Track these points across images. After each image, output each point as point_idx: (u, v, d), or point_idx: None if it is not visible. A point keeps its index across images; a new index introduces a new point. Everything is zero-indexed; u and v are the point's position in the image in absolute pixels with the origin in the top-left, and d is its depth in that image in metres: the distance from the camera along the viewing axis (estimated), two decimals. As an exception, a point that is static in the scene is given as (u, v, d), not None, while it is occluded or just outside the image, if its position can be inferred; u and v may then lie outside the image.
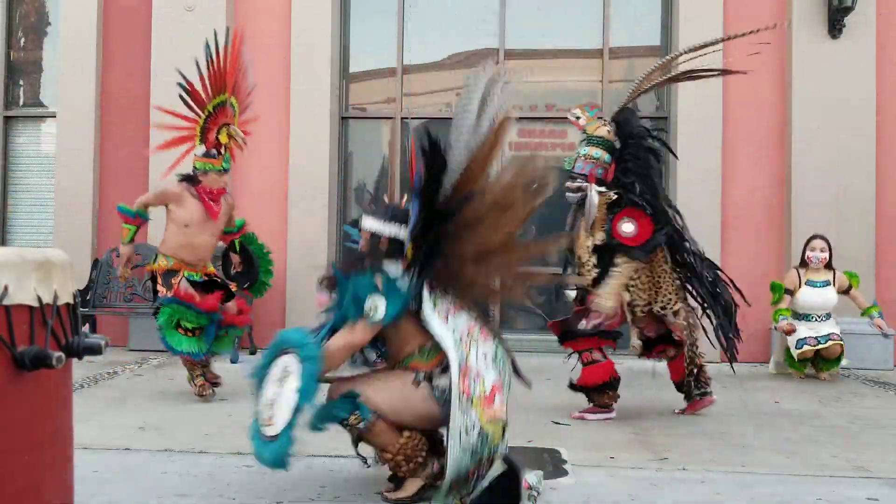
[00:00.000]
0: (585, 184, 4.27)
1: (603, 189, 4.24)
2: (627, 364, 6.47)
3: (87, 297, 6.70)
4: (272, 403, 2.60)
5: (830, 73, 6.54)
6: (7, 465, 1.44)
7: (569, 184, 4.31)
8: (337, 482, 2.96)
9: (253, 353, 6.63)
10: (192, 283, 4.64)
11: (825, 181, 6.47)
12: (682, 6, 6.79)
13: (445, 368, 2.69)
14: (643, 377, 5.80)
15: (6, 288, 1.45)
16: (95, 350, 1.59)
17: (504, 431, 2.67)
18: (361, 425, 2.68)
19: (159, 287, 4.67)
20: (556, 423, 3.91)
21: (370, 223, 2.86)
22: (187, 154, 4.70)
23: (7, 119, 7.63)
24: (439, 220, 2.72)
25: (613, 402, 4.40)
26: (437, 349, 2.72)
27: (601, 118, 4.45)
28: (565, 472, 3.17)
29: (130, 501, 2.74)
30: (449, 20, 7.45)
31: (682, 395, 4.47)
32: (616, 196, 4.22)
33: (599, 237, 4.25)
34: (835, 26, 6.52)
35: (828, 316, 5.78)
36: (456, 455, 2.52)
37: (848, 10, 6.41)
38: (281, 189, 6.98)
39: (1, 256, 1.48)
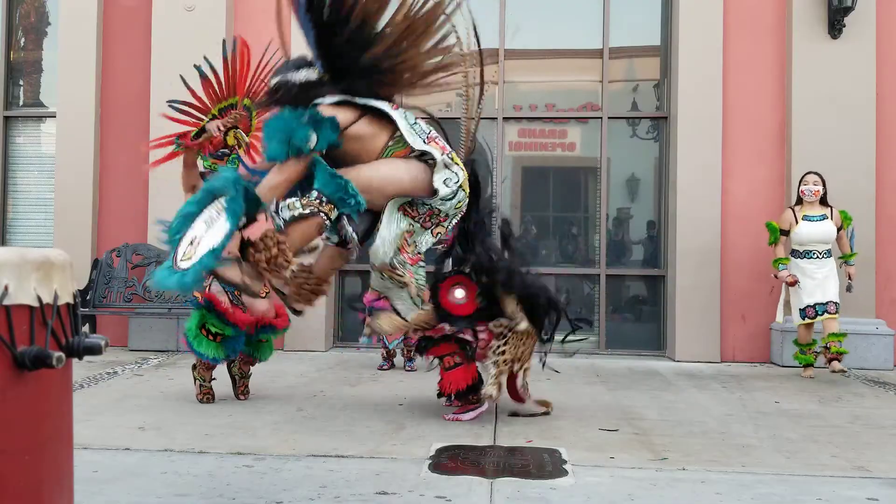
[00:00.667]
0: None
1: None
2: (627, 364, 6.49)
3: (87, 297, 6.70)
4: (194, 241, 2.57)
5: (830, 73, 6.55)
6: (7, 466, 1.44)
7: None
8: (337, 482, 2.96)
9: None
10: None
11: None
12: (682, 6, 6.79)
13: (420, 155, 2.87)
14: (644, 378, 5.81)
15: (6, 288, 1.45)
16: (95, 350, 1.58)
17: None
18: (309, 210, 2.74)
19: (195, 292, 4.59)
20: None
21: (278, 79, 2.93)
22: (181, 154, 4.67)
23: (7, 119, 7.63)
24: (335, 35, 2.81)
25: (479, 401, 4.21)
26: (401, 140, 2.92)
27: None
28: (565, 472, 3.17)
29: (130, 501, 2.74)
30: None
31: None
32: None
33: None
34: (835, 26, 6.53)
35: (828, 253, 5.78)
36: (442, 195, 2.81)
37: (848, 10, 6.41)
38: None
39: (1, 256, 1.48)
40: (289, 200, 2.80)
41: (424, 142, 2.86)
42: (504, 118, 7.30)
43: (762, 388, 5.41)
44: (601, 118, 7.21)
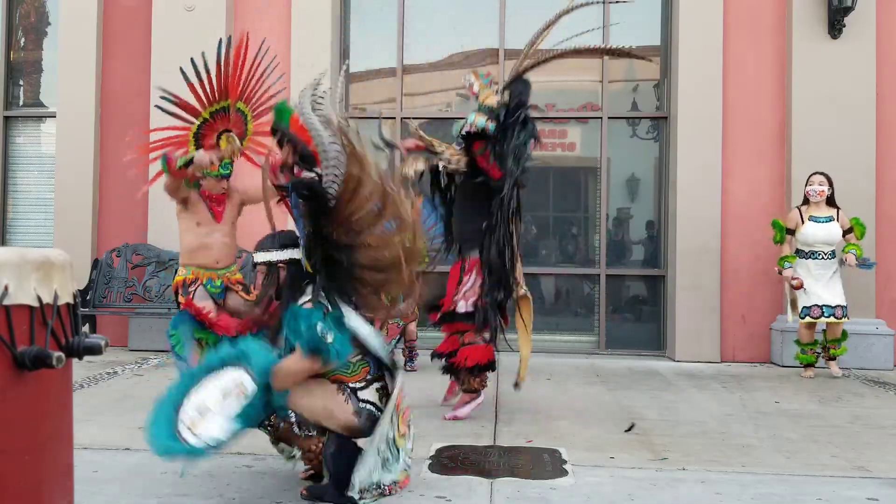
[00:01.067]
0: (457, 157, 4.33)
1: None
2: (627, 364, 6.49)
3: (87, 297, 6.70)
4: (202, 410, 2.52)
5: (830, 73, 6.55)
6: (7, 466, 1.44)
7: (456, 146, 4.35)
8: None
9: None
10: (212, 295, 4.52)
11: (825, 181, 6.48)
12: (682, 6, 6.79)
13: (369, 382, 2.77)
14: (643, 377, 5.81)
15: (6, 288, 1.45)
16: (95, 350, 1.58)
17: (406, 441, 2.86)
18: (280, 424, 2.69)
19: (180, 299, 4.59)
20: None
21: (262, 256, 2.86)
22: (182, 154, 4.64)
23: (7, 119, 7.63)
24: (328, 234, 2.69)
25: (483, 387, 4.31)
26: (362, 364, 2.77)
27: (495, 84, 4.44)
28: (565, 472, 3.17)
29: (130, 501, 2.74)
30: (449, 20, 7.46)
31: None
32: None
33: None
34: (835, 26, 6.52)
35: (832, 254, 5.77)
36: (370, 463, 2.67)
37: (848, 10, 6.41)
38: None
39: (1, 256, 1.47)
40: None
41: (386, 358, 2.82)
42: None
43: (762, 388, 5.41)
44: (601, 118, 7.21)
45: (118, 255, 6.86)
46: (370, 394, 2.79)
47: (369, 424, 2.74)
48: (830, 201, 5.83)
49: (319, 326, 2.59)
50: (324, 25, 7.03)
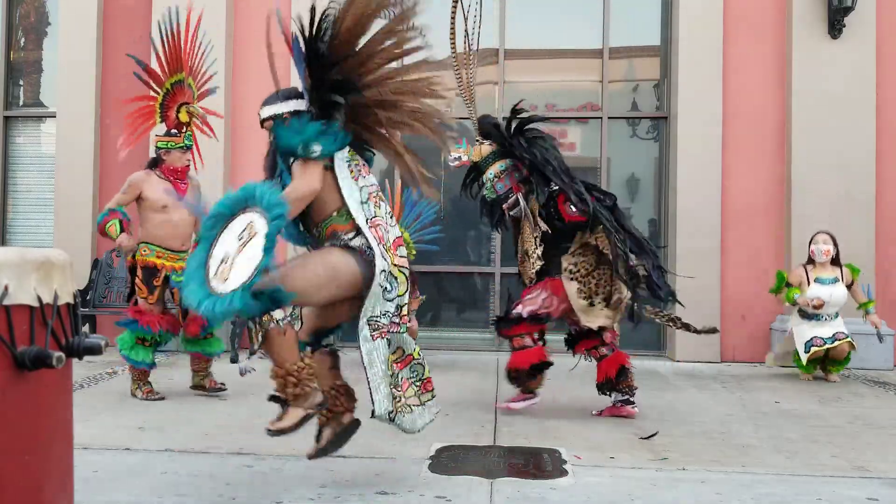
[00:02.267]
0: (514, 195, 4.35)
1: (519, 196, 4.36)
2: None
3: (87, 297, 6.70)
4: (229, 259, 2.52)
5: (830, 72, 6.55)
6: (7, 466, 1.44)
7: (506, 206, 4.38)
8: (337, 482, 2.97)
9: (253, 353, 6.63)
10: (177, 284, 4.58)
11: (825, 180, 6.48)
12: (682, 6, 6.79)
13: (357, 232, 2.82)
14: (643, 378, 5.81)
15: (6, 288, 1.45)
16: (95, 350, 1.58)
17: (407, 280, 2.88)
18: (271, 326, 2.66)
19: (137, 282, 4.64)
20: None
21: (268, 110, 2.95)
22: (147, 132, 4.72)
23: (7, 119, 7.63)
24: (329, 73, 2.80)
25: (539, 386, 4.42)
26: (349, 217, 2.83)
27: (476, 140, 4.50)
28: (565, 472, 3.17)
29: (130, 501, 2.74)
30: (448, 20, 7.44)
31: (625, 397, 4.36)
32: (546, 192, 4.27)
33: (543, 227, 4.32)
34: (835, 26, 6.53)
35: (836, 315, 5.70)
36: (376, 292, 2.75)
37: (848, 10, 6.41)
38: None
39: (1, 256, 1.48)
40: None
41: (367, 224, 2.81)
42: (504, 118, 7.27)
43: (762, 388, 5.41)
44: (601, 118, 7.21)
45: (118, 255, 6.85)
46: (359, 241, 2.81)
47: (370, 267, 2.76)
48: (835, 261, 5.70)
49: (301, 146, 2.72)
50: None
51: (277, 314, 2.67)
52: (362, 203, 2.84)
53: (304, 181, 2.75)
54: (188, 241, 4.73)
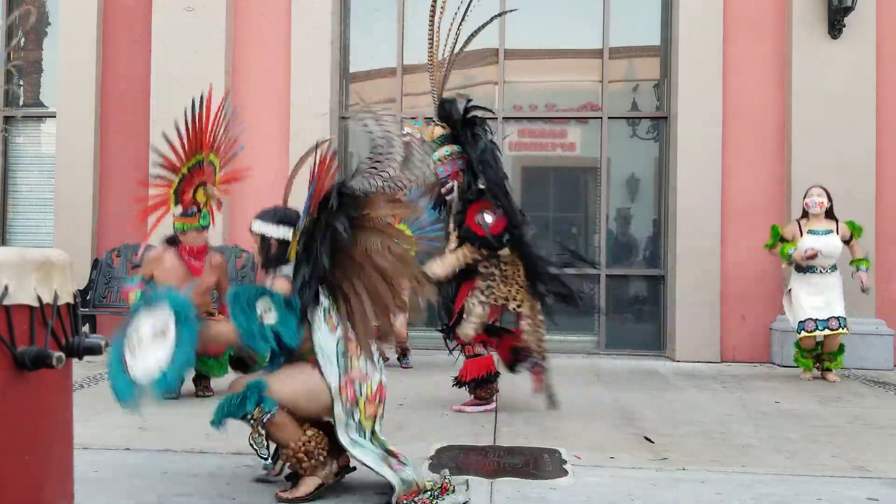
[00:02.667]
0: (452, 182, 4.39)
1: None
2: (627, 364, 6.49)
3: (87, 297, 6.70)
4: (139, 342, 2.56)
5: (830, 72, 6.55)
6: (7, 465, 1.44)
7: (443, 190, 4.41)
8: (337, 482, 2.96)
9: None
10: None
11: (825, 180, 6.46)
12: (682, 6, 6.79)
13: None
14: (643, 378, 5.81)
15: (6, 288, 1.45)
16: (95, 350, 1.59)
17: (374, 422, 2.81)
18: (266, 417, 2.67)
19: None
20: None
21: (259, 226, 2.89)
22: (163, 217, 4.61)
23: (7, 119, 7.63)
24: (327, 227, 2.68)
25: (492, 395, 4.45)
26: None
27: (428, 119, 4.53)
28: (565, 472, 3.17)
29: (130, 501, 2.74)
30: (448, 20, 7.44)
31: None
32: (478, 189, 4.31)
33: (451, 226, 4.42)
34: (835, 26, 6.53)
35: (833, 268, 5.71)
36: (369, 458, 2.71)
37: (848, 10, 6.41)
38: (281, 189, 6.97)
39: (1, 256, 1.47)
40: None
41: (339, 379, 2.73)
42: (504, 118, 7.30)
43: (762, 388, 5.41)
44: (601, 118, 7.21)
45: (118, 255, 6.86)
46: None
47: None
48: (829, 214, 5.75)
49: (260, 304, 2.62)
50: (324, 25, 7.03)
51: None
52: (339, 356, 2.75)
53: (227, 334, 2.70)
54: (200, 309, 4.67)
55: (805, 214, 5.82)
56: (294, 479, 2.83)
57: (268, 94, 7.00)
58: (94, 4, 7.17)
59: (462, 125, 4.40)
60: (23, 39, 7.77)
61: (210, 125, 4.52)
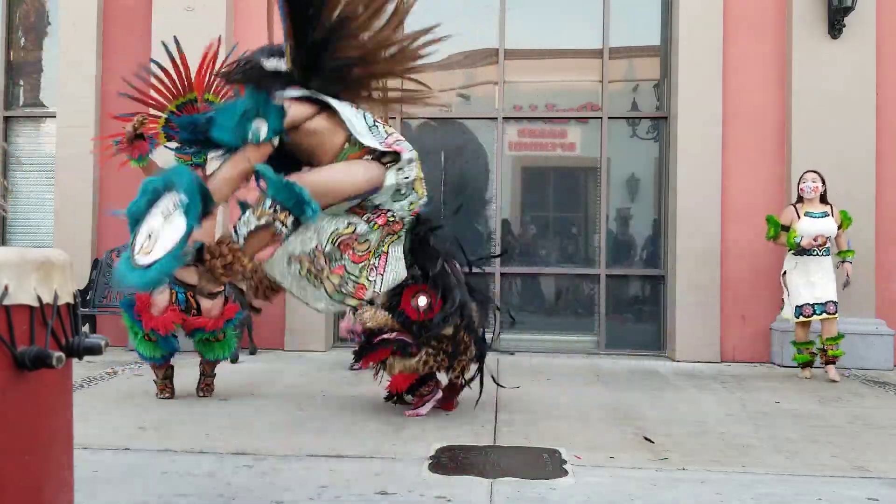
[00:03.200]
0: None
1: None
2: (627, 364, 6.49)
3: (87, 297, 6.70)
4: (152, 235, 2.53)
5: (830, 72, 6.55)
6: (7, 466, 1.44)
7: None
8: (337, 482, 2.96)
9: (253, 352, 6.64)
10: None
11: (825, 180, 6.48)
12: (682, 6, 6.79)
13: (374, 154, 2.85)
14: (643, 378, 5.81)
15: (6, 288, 1.45)
16: (95, 350, 1.58)
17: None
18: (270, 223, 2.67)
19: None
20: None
21: (248, 60, 2.92)
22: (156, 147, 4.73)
23: (7, 119, 7.63)
24: (311, 30, 2.78)
25: (432, 387, 4.33)
26: (359, 144, 2.85)
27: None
28: (565, 472, 3.17)
29: (130, 501, 2.74)
30: (449, 20, 7.44)
31: None
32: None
33: None
34: (835, 26, 6.53)
35: (827, 251, 5.77)
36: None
37: (848, 10, 6.41)
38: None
39: (1, 256, 1.47)
40: (243, 217, 2.74)
41: (381, 143, 2.80)
42: (504, 118, 7.30)
43: (762, 388, 5.41)
44: (601, 118, 7.21)
45: (118, 255, 6.85)
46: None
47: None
48: (823, 198, 5.86)
49: (251, 126, 2.64)
50: (324, 25, 7.02)
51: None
52: (370, 127, 2.82)
53: (237, 165, 2.67)
54: None
55: (800, 199, 5.90)
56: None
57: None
58: (94, 4, 7.17)
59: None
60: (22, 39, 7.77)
61: (202, 67, 4.60)
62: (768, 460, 3.45)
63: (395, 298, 4.10)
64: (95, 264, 6.89)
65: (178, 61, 4.57)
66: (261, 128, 2.64)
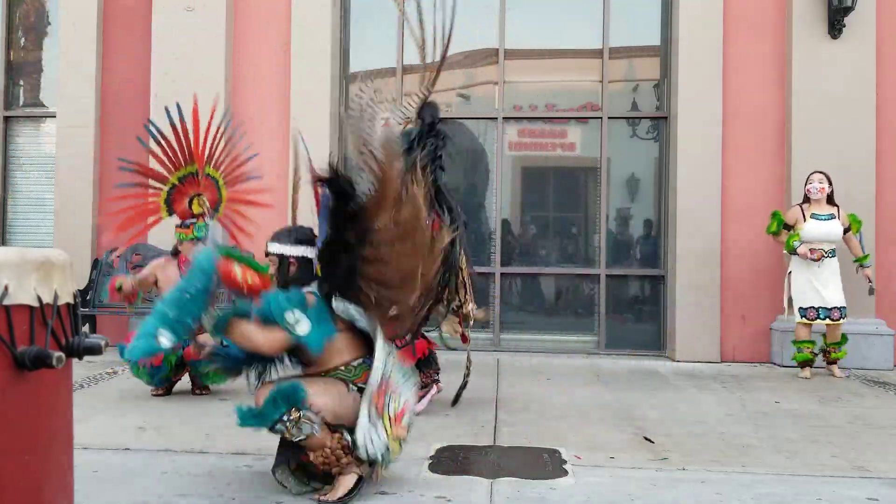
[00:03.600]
0: None
1: None
2: (627, 364, 6.49)
3: (87, 297, 6.69)
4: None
5: (830, 72, 6.55)
6: (7, 466, 1.44)
7: None
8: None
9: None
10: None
11: (825, 181, 6.49)
12: (682, 6, 6.79)
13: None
14: (643, 377, 5.81)
15: (6, 288, 1.45)
16: (95, 350, 1.58)
17: (401, 448, 2.81)
18: (303, 414, 2.63)
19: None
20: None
21: (276, 247, 2.84)
22: (155, 224, 4.71)
23: (7, 119, 7.63)
24: (347, 241, 2.69)
25: (432, 379, 4.40)
26: (364, 368, 2.77)
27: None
28: (565, 472, 3.17)
29: (130, 501, 2.74)
30: (448, 20, 7.44)
31: None
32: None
33: None
34: (835, 26, 6.52)
35: (833, 252, 5.76)
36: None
37: (848, 10, 6.41)
38: (281, 189, 6.98)
39: (1, 256, 1.47)
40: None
41: (375, 388, 2.74)
42: (504, 118, 7.30)
43: (762, 388, 5.41)
44: (601, 118, 7.21)
45: (118, 255, 6.85)
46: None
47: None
48: (830, 200, 5.85)
49: (290, 314, 2.60)
50: (324, 25, 7.03)
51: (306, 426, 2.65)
52: (386, 358, 2.75)
53: (265, 336, 2.65)
54: None
55: (806, 200, 5.88)
56: (331, 481, 2.79)
57: (268, 95, 7.00)
58: (94, 4, 7.17)
59: (429, 130, 4.28)
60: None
61: (205, 137, 4.56)
62: (768, 460, 3.45)
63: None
64: (95, 264, 6.89)
65: (180, 130, 4.50)
66: (301, 322, 2.61)
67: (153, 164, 4.69)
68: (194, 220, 4.67)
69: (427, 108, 4.42)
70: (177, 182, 4.61)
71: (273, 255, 2.85)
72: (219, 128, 4.66)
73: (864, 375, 6.01)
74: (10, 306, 1.45)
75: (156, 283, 4.70)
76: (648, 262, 7.28)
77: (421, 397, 4.30)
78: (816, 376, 5.83)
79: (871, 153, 6.56)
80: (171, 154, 4.56)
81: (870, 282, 5.83)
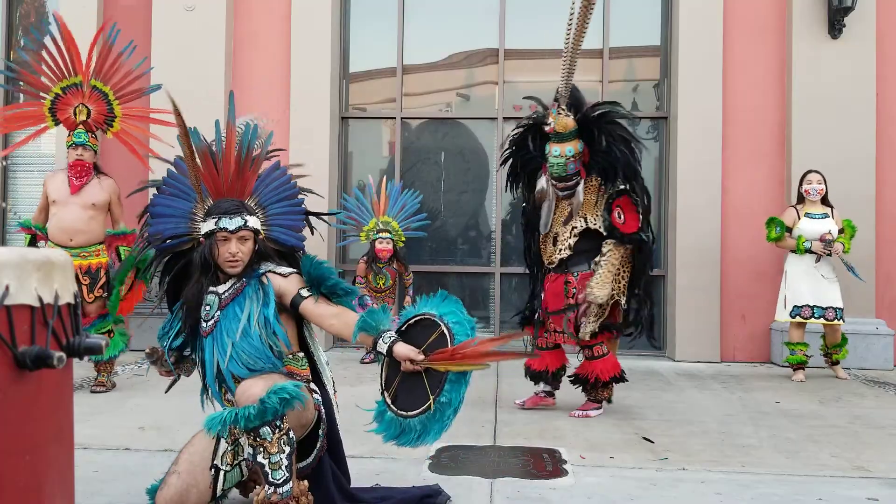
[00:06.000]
0: (578, 178, 4.38)
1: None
2: (627, 364, 6.48)
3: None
4: None
5: (830, 73, 6.55)
6: (7, 466, 1.44)
7: (563, 185, 4.39)
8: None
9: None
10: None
11: (825, 181, 6.49)
12: (682, 6, 6.79)
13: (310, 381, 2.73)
14: (643, 378, 5.81)
15: (7, 288, 1.45)
16: (95, 350, 1.58)
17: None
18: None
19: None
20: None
21: (254, 221, 2.75)
22: (41, 133, 4.96)
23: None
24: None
25: (610, 395, 4.52)
26: (306, 360, 2.75)
27: (560, 110, 4.47)
28: (565, 472, 3.17)
29: (130, 501, 2.74)
30: (449, 20, 7.46)
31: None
32: (602, 183, 4.36)
33: (580, 223, 4.36)
34: (835, 26, 6.53)
35: (828, 254, 5.75)
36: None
37: (848, 10, 6.41)
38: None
39: (2, 256, 1.47)
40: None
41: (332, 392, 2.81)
42: (504, 118, 7.30)
43: (762, 388, 5.41)
44: (601, 118, 7.20)
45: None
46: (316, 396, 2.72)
47: (317, 413, 2.67)
48: (825, 200, 5.86)
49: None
50: (324, 25, 7.03)
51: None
52: (326, 364, 2.81)
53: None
54: (78, 237, 4.80)
55: (801, 200, 5.88)
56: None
57: (268, 95, 7.00)
58: (94, 4, 7.16)
59: (594, 120, 4.31)
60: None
61: (88, 51, 4.69)
62: (768, 460, 3.45)
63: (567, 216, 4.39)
64: (95, 264, 6.88)
65: (62, 42, 4.62)
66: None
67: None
68: (76, 128, 4.80)
69: (577, 96, 4.50)
70: (59, 92, 4.68)
71: (248, 229, 2.68)
72: (105, 43, 4.79)
73: (863, 375, 6.02)
74: (11, 306, 1.45)
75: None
76: (648, 262, 7.27)
77: (595, 406, 4.47)
78: (816, 376, 5.83)
79: (871, 153, 6.57)
80: (52, 65, 4.68)
81: (838, 253, 5.70)
